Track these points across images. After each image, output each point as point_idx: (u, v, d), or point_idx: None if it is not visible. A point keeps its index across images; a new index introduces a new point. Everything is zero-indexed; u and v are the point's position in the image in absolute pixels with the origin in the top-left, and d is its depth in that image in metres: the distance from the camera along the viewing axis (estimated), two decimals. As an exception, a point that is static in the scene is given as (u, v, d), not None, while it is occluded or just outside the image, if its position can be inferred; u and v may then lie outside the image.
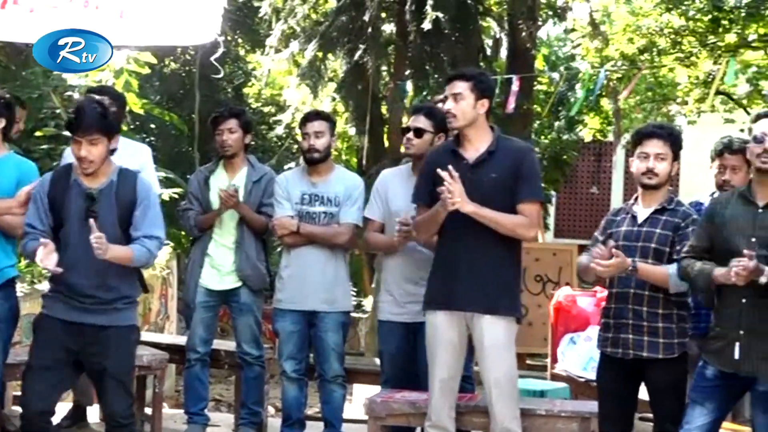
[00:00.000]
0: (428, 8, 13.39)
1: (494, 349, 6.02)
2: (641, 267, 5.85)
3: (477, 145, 6.12)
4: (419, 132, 6.84)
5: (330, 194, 7.28)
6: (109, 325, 5.81)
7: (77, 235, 5.68)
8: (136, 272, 6.01)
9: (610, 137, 23.93)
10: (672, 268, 5.85)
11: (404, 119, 15.32)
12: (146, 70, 11.19)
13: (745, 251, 5.28)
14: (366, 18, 13.80)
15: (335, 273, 7.29)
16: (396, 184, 6.95)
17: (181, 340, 8.45)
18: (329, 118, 7.56)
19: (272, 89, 20.62)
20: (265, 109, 20.17)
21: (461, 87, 6.07)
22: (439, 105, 6.88)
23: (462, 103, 6.06)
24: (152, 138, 17.43)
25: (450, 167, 5.85)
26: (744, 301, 5.47)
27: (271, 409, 9.14)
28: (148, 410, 7.72)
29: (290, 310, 7.35)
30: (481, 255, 6.03)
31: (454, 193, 5.80)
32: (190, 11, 7.37)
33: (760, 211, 5.53)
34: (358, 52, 14.17)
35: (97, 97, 6.01)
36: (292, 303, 7.35)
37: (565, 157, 23.47)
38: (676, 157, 6.09)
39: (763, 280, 5.28)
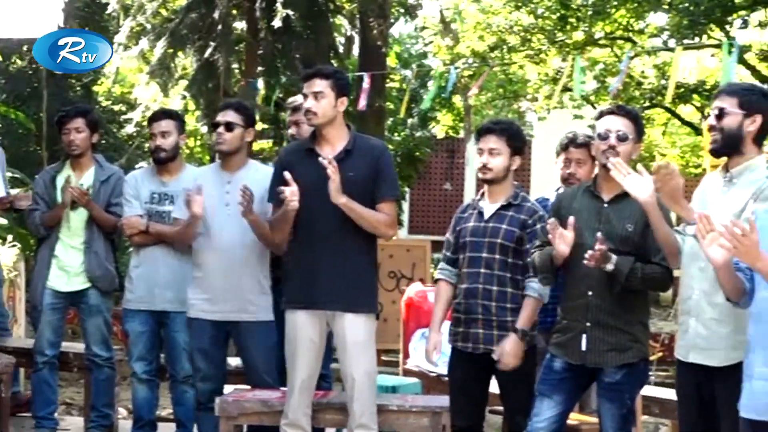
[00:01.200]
0: (279, 6, 13.36)
1: (355, 347, 6.06)
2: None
3: (334, 143, 6.14)
4: (230, 126, 6.82)
5: (180, 193, 7.20)
6: None
7: None
8: None
9: (463, 134, 24.23)
10: (533, 292, 6.09)
11: (256, 117, 15.30)
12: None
13: (599, 235, 5.42)
14: (216, 15, 13.71)
15: (185, 272, 7.22)
16: (206, 181, 6.91)
17: (29, 343, 8.29)
18: (177, 117, 7.51)
19: (122, 87, 20.35)
20: (116, 107, 19.88)
21: (321, 85, 6.07)
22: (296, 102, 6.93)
23: (323, 101, 6.06)
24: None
25: (322, 159, 5.87)
26: (590, 293, 5.61)
27: (122, 411, 9.02)
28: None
29: (140, 310, 7.28)
30: (340, 253, 6.06)
31: (332, 183, 5.82)
32: (27, 2, 7.23)
33: (605, 205, 5.68)
34: (209, 50, 14.06)
35: None
36: (142, 303, 7.28)
37: (418, 153, 23.62)
38: (516, 152, 6.21)
39: (609, 267, 5.45)
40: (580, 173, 6.85)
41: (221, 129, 6.81)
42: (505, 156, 6.17)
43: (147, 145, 16.55)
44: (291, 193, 5.91)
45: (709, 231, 4.53)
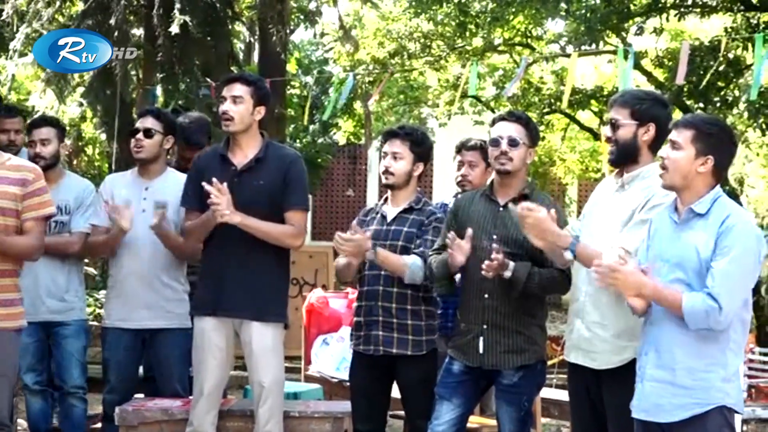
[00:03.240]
0: (176, 12, 13.28)
1: (263, 354, 6.08)
2: (381, 252, 5.98)
3: (246, 151, 6.16)
4: (149, 133, 6.81)
5: (60, 202, 7.00)
6: None
7: None
8: None
9: (364, 140, 24.31)
10: (410, 259, 6.02)
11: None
12: None
13: (494, 246, 5.52)
14: (113, 21, 13.57)
15: (68, 282, 7.13)
16: (121, 187, 6.91)
17: None
18: (57, 125, 7.38)
19: (19, 94, 20.06)
20: (12, 115, 19.64)
21: (242, 90, 6.09)
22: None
23: (240, 106, 6.07)
24: None
25: (215, 179, 5.86)
26: (486, 296, 5.70)
27: (22, 423, 8.90)
28: None
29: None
30: (250, 262, 6.07)
31: (221, 205, 5.81)
32: None
33: (501, 209, 5.77)
34: (106, 56, 13.96)
35: None
36: (26, 314, 7.16)
37: (320, 160, 23.69)
38: (420, 158, 6.27)
39: (507, 274, 5.52)
40: (473, 175, 7.00)
41: (140, 135, 6.80)
42: (408, 161, 6.24)
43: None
44: (227, 203, 5.83)
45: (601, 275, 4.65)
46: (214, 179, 5.86)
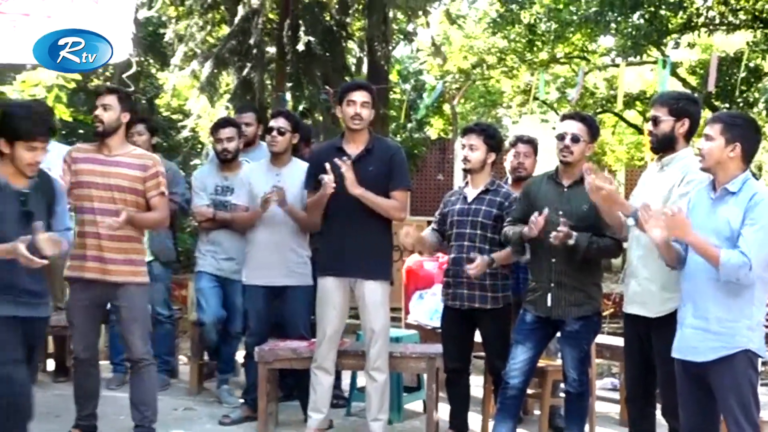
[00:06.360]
0: (302, 33, 13.39)
1: (373, 306, 6.11)
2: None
3: (358, 143, 6.16)
4: (281, 131, 6.81)
5: (238, 184, 7.17)
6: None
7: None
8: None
9: (451, 135, 24.21)
10: None
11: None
12: (72, 85, 10.78)
13: (562, 220, 5.47)
14: (252, 41, 13.67)
15: (243, 249, 7.06)
16: (258, 174, 6.93)
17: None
18: (237, 125, 7.46)
19: (178, 100, 20.24)
20: (174, 117, 19.81)
21: (369, 97, 6.11)
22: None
23: (367, 110, 6.08)
24: (82, 140, 16.95)
25: (338, 161, 5.92)
26: (554, 260, 5.65)
27: (182, 358, 9.03)
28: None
29: (207, 272, 7.34)
30: (362, 231, 6.08)
31: (347, 178, 5.89)
32: (103, 31, 6.70)
33: (566, 190, 5.71)
34: (246, 69, 14.05)
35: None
36: (210, 268, 7.34)
37: (416, 151, 23.62)
38: (492, 149, 6.25)
39: (570, 242, 5.48)
40: (527, 164, 7.04)
41: (275, 133, 6.81)
42: (482, 151, 6.22)
43: (200, 146, 16.66)
44: (329, 179, 5.93)
45: (650, 217, 4.57)
46: (337, 161, 5.92)
